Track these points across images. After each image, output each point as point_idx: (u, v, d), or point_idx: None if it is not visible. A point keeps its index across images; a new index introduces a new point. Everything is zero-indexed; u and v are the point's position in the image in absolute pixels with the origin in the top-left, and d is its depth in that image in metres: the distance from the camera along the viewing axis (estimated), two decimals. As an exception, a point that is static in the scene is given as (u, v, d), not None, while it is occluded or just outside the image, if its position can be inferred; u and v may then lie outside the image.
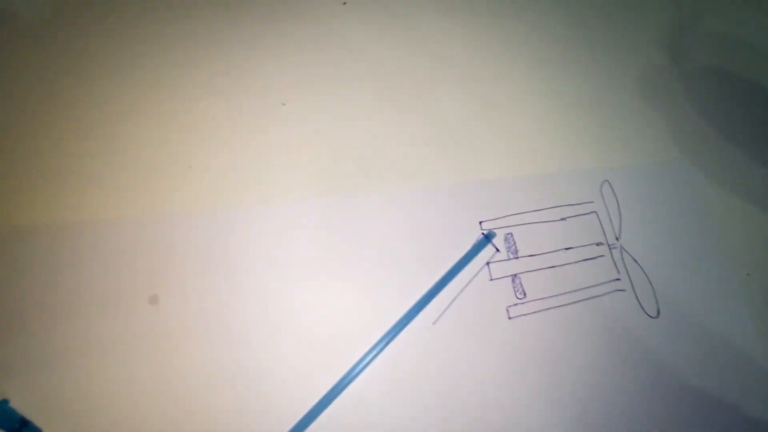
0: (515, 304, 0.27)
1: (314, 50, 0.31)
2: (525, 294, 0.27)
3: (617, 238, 0.30)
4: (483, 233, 0.28)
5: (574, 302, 0.28)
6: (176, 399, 0.23)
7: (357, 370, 0.24)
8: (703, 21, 0.37)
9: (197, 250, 0.25)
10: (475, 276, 0.27)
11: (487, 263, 0.28)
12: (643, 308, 0.28)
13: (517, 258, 0.28)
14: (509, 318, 0.27)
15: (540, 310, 0.27)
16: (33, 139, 0.26)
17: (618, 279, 0.29)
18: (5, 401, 0.21)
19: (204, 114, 0.29)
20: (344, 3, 0.31)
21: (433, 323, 0.26)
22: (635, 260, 0.29)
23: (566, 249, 0.29)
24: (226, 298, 0.25)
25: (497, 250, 0.28)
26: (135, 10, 0.31)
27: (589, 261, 0.29)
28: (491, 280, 0.27)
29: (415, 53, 0.33)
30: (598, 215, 0.30)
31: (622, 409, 0.26)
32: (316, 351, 0.24)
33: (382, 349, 0.25)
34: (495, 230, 0.28)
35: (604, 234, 0.30)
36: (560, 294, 0.28)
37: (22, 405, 0.21)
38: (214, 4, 0.32)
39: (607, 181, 0.31)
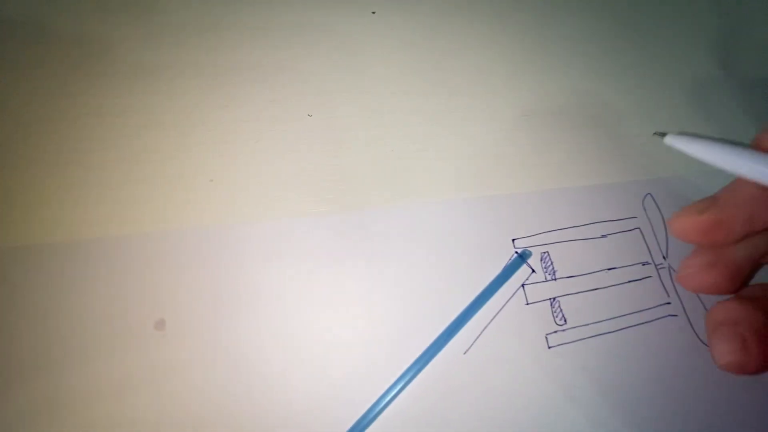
0: (555, 332, 0.24)
1: (341, 59, 0.30)
2: (565, 320, 0.25)
3: (664, 257, 0.27)
4: (517, 252, 0.26)
5: (621, 329, 0.25)
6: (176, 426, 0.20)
7: (380, 406, 0.22)
8: (755, 29, 0.35)
9: (207, 268, 0.23)
10: (509, 300, 0.25)
11: (522, 285, 0.25)
12: (697, 335, 0.25)
13: (555, 279, 0.26)
14: (549, 347, 0.24)
15: (582, 338, 0.24)
16: (42, 152, 0.25)
17: (668, 303, 0.26)
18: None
19: (224, 126, 0.27)
20: (373, 12, 0.30)
21: (464, 353, 0.23)
22: (686, 282, 0.26)
23: (609, 269, 0.26)
24: (238, 323, 0.23)
25: (533, 270, 0.25)
26: (158, 19, 0.30)
27: (634, 282, 0.26)
28: (527, 304, 0.25)
29: (445, 63, 0.31)
30: (641, 231, 0.27)
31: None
32: (335, 384, 0.22)
33: (407, 383, 0.22)
34: (530, 249, 0.26)
35: (650, 252, 0.27)
36: (604, 320, 0.25)
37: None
38: (237, 11, 0.31)
39: (650, 194, 0.28)
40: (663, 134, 0.18)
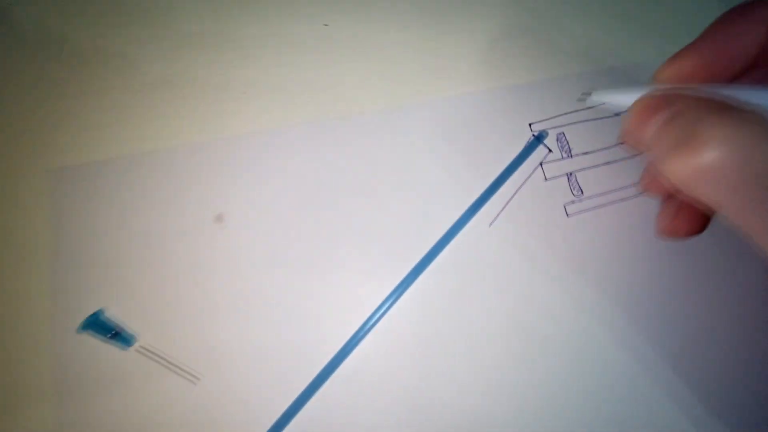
0: (572, 202, 0.27)
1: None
2: (582, 191, 0.27)
3: (676, 130, 0.28)
4: (533, 134, 0.27)
5: (633, 197, 0.27)
6: (246, 302, 0.24)
7: (422, 267, 0.25)
8: None
9: (257, 169, 0.26)
10: (528, 177, 0.27)
11: (541, 164, 0.27)
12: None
13: (571, 157, 0.27)
14: (567, 215, 0.26)
15: (599, 206, 0.27)
16: (97, 79, 0.27)
17: (679, 170, 0.27)
18: (101, 311, 0.23)
19: (253, 39, 0.29)
20: None
21: (490, 225, 0.26)
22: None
23: (621, 143, 0.28)
24: (287, 215, 0.25)
25: (549, 150, 0.27)
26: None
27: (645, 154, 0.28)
28: (546, 180, 0.27)
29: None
30: (654, 108, 0.29)
31: (682, 293, 0.25)
32: (381, 252, 0.25)
33: (440, 250, 0.25)
34: (547, 131, 0.28)
35: (662, 127, 0.28)
36: (618, 189, 0.27)
37: (114, 315, 0.23)
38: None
39: (663, 72, 0.29)
40: (588, 94, 0.19)
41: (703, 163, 0.14)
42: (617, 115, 0.28)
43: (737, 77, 0.17)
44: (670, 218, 0.21)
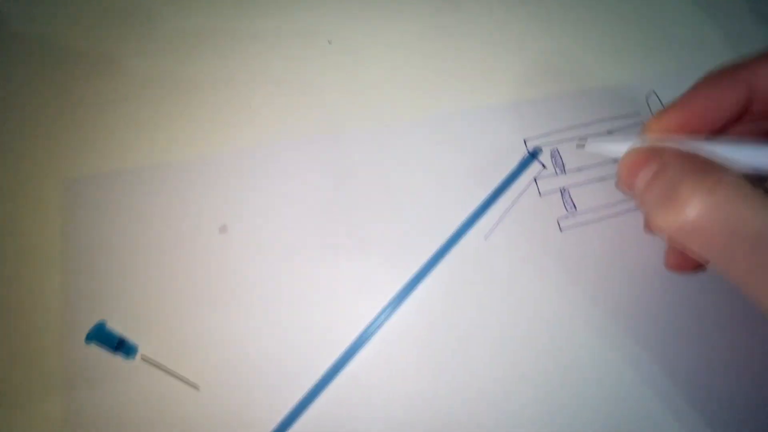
0: (566, 217, 0.27)
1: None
2: (575, 207, 0.28)
3: (667, 148, 0.29)
4: (528, 151, 0.28)
5: (625, 213, 0.28)
6: (249, 313, 0.24)
7: (418, 279, 0.25)
8: None
9: (261, 181, 0.27)
10: (523, 192, 0.28)
11: (535, 179, 0.28)
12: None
13: (565, 173, 0.28)
14: (561, 230, 0.27)
15: (591, 222, 0.27)
16: (109, 93, 0.28)
17: (670, 187, 0.28)
18: (103, 321, 0.23)
19: (256, 55, 0.30)
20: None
21: (486, 238, 0.27)
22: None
23: (615, 161, 0.28)
24: (286, 225, 0.26)
25: (544, 166, 0.28)
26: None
27: (638, 172, 0.28)
28: (540, 195, 0.28)
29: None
30: (645, 126, 0.29)
31: (675, 307, 0.26)
32: (380, 263, 0.26)
33: (437, 262, 0.26)
34: (541, 147, 0.28)
35: (653, 144, 0.29)
36: (610, 205, 0.28)
37: (117, 325, 0.23)
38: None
39: (654, 91, 0.30)
40: (584, 142, 0.22)
41: (684, 222, 0.15)
42: (610, 133, 0.29)
43: (721, 131, 0.19)
44: (677, 254, 0.23)
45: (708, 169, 0.16)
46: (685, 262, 0.23)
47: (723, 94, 0.18)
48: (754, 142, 0.17)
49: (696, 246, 0.16)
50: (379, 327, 0.25)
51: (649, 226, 0.23)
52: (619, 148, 0.19)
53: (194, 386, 0.23)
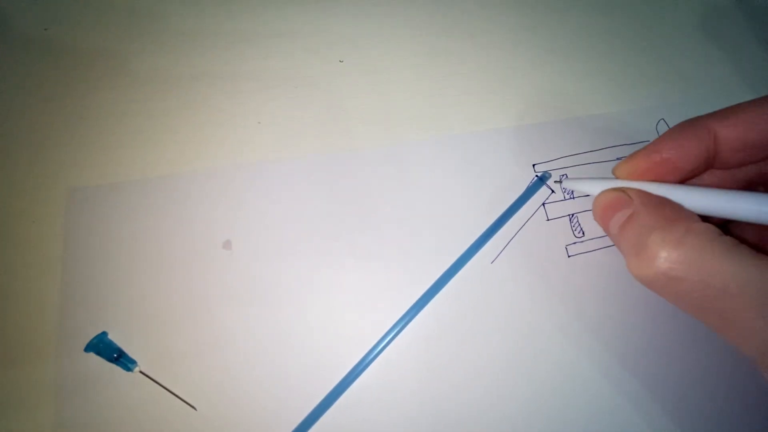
0: (574, 243, 0.27)
1: (367, 9, 0.32)
2: (583, 232, 0.27)
3: (677, 176, 0.29)
4: (537, 175, 0.28)
5: (634, 240, 0.27)
6: (249, 330, 0.24)
7: (421, 304, 0.25)
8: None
9: (265, 197, 0.27)
10: (530, 217, 0.27)
11: (543, 204, 0.28)
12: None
13: (573, 198, 0.28)
14: (568, 256, 0.27)
15: (599, 248, 0.27)
16: (118, 103, 0.28)
17: (680, 216, 0.28)
18: (105, 333, 0.23)
19: (269, 73, 0.30)
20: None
21: (491, 262, 0.26)
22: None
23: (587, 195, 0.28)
24: (293, 244, 0.26)
25: (552, 191, 0.28)
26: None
27: (648, 199, 0.28)
28: (548, 220, 0.27)
29: (465, 4, 0.33)
30: (655, 154, 0.29)
31: (681, 339, 0.26)
32: (385, 285, 0.26)
33: (443, 286, 0.25)
34: (549, 172, 0.28)
35: (663, 172, 0.29)
36: (619, 232, 0.27)
37: (118, 337, 0.23)
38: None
39: (663, 119, 0.30)
40: (561, 181, 0.25)
41: (655, 273, 0.16)
42: (618, 159, 0.29)
43: (687, 179, 0.20)
44: None
45: (676, 218, 0.16)
46: None
47: (688, 142, 0.19)
48: (718, 189, 0.17)
49: (669, 296, 0.16)
50: (382, 350, 0.24)
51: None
52: (593, 188, 0.20)
53: (192, 406, 0.22)
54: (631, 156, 0.20)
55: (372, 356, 0.24)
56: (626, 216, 0.18)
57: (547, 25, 0.33)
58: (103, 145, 0.27)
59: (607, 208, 0.19)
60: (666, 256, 0.16)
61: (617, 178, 0.20)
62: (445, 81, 0.31)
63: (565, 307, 0.26)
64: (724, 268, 0.15)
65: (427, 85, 0.30)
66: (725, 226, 0.21)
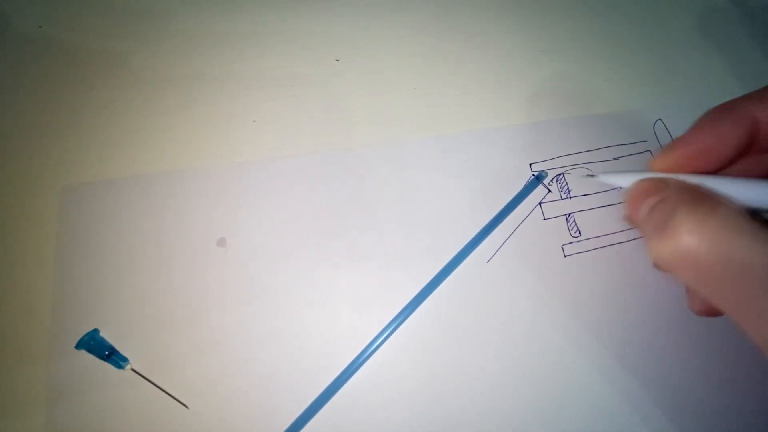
0: (570, 243, 0.27)
1: (363, 9, 0.32)
2: (580, 232, 0.27)
3: (674, 177, 0.29)
4: (534, 174, 0.28)
5: (630, 240, 0.27)
6: (242, 328, 0.24)
7: (417, 301, 0.25)
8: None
9: (261, 195, 0.26)
10: (527, 216, 0.27)
11: (540, 203, 0.28)
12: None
13: (570, 198, 0.28)
14: (564, 256, 0.27)
15: (596, 248, 0.27)
16: (114, 102, 0.28)
17: (676, 216, 0.28)
18: (96, 330, 0.23)
19: (265, 72, 0.30)
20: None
21: (487, 261, 0.26)
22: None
23: (620, 188, 0.28)
24: (288, 243, 0.26)
25: (549, 190, 0.28)
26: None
27: (644, 199, 0.28)
28: (544, 219, 0.27)
29: (463, 1, 0.33)
30: (652, 154, 0.29)
31: (676, 337, 0.25)
32: (381, 283, 0.25)
33: (438, 285, 0.25)
34: (546, 171, 0.28)
35: (660, 172, 0.29)
36: (615, 232, 0.27)
37: (110, 335, 0.23)
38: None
39: (661, 119, 0.30)
40: (593, 176, 0.23)
41: (676, 249, 0.15)
42: (616, 159, 0.29)
43: (727, 166, 0.19)
44: (700, 299, 0.22)
45: (704, 199, 0.16)
46: (710, 308, 0.22)
47: (727, 129, 0.18)
48: (758, 179, 0.17)
49: (687, 275, 0.15)
50: (376, 349, 0.24)
51: (630, 224, 0.23)
52: (626, 180, 0.19)
53: (184, 404, 0.22)
54: (669, 147, 0.19)
55: (366, 355, 0.24)
56: (656, 200, 0.17)
57: (545, 26, 0.33)
58: (98, 143, 0.27)
59: (640, 194, 0.18)
60: (689, 229, 0.15)
61: (653, 170, 0.19)
62: (443, 81, 0.31)
63: (561, 306, 0.26)
64: (747, 246, 0.14)
65: (425, 85, 0.30)
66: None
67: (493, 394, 0.24)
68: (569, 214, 0.28)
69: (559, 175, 0.28)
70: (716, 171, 0.19)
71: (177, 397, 0.22)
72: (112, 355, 0.22)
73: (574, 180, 0.28)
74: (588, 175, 0.24)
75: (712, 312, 0.22)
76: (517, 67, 0.31)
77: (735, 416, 0.24)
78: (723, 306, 0.15)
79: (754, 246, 0.14)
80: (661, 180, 0.18)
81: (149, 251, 0.25)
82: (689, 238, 0.15)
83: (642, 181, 0.18)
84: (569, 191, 0.28)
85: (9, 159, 0.27)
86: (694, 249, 0.15)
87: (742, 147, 0.18)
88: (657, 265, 0.17)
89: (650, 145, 0.29)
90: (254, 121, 0.29)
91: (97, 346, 0.22)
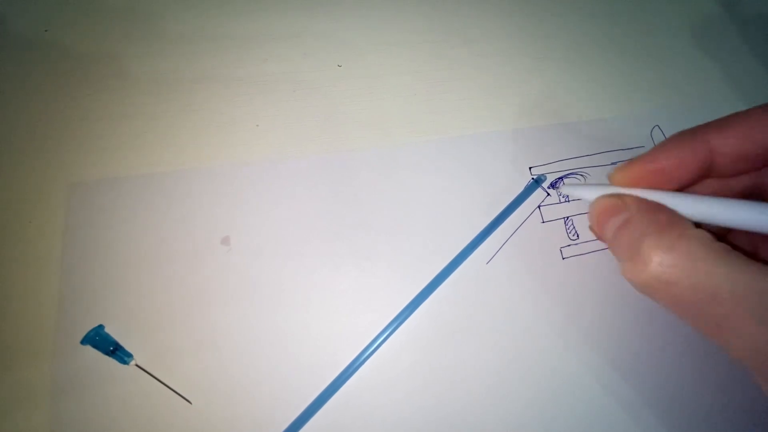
0: (569, 245, 0.27)
1: (366, 16, 0.33)
2: (578, 235, 0.28)
3: (671, 182, 0.29)
4: (533, 178, 0.29)
5: (629, 244, 0.28)
6: (245, 326, 0.24)
7: (417, 302, 0.25)
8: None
9: (266, 196, 0.27)
10: (526, 219, 0.28)
11: (539, 206, 0.28)
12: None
13: (569, 201, 0.28)
14: (563, 258, 0.27)
15: (593, 251, 0.27)
16: (119, 104, 0.29)
17: (673, 220, 0.28)
18: (101, 326, 0.23)
19: (268, 76, 0.30)
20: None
21: (487, 263, 0.27)
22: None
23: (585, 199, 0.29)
24: (291, 243, 0.26)
25: (548, 194, 0.28)
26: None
27: (642, 204, 0.29)
28: (543, 222, 0.28)
29: (463, 11, 0.34)
30: (649, 159, 0.30)
31: (673, 341, 0.26)
32: (382, 283, 0.26)
33: (438, 286, 0.26)
34: (545, 175, 0.29)
35: (657, 177, 0.29)
36: (614, 235, 0.28)
37: (114, 330, 0.23)
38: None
39: (658, 125, 0.31)
40: (556, 187, 0.25)
41: (649, 278, 0.16)
42: (613, 164, 0.29)
43: (684, 188, 0.20)
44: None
45: (670, 223, 0.17)
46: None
47: (685, 154, 0.19)
48: (713, 196, 0.18)
49: (663, 301, 0.16)
50: (376, 349, 0.24)
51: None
52: (589, 194, 0.20)
53: (187, 400, 0.22)
54: (627, 163, 0.20)
55: (367, 355, 0.24)
56: (621, 221, 0.18)
57: (544, 33, 0.33)
58: (102, 146, 0.28)
59: (602, 214, 0.19)
60: (659, 260, 0.16)
61: (613, 184, 0.20)
62: (443, 86, 0.31)
63: (559, 308, 0.26)
64: (715, 271, 0.15)
65: (425, 90, 0.31)
66: (722, 237, 0.21)
67: (491, 395, 0.24)
68: (567, 218, 0.28)
69: (558, 179, 0.29)
70: (671, 190, 0.19)
71: (180, 392, 0.22)
72: (116, 351, 0.22)
73: (573, 183, 0.29)
74: (551, 187, 0.26)
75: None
76: (517, 72, 0.32)
77: (729, 420, 0.25)
78: (699, 329, 0.16)
79: (719, 272, 0.15)
80: (622, 199, 0.19)
81: (155, 248, 0.25)
82: (659, 268, 0.16)
83: (604, 197, 0.19)
84: (567, 195, 0.28)
85: (16, 158, 0.27)
86: (666, 278, 0.16)
87: (698, 171, 0.19)
88: (635, 287, 0.18)
89: (647, 150, 0.30)
90: (257, 125, 0.29)
91: (102, 341, 0.22)
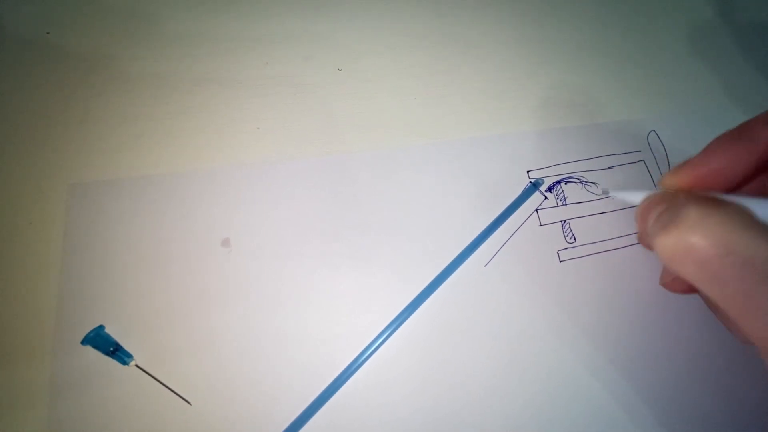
0: (566, 248, 0.28)
1: (366, 20, 0.33)
2: (575, 239, 0.28)
3: (666, 186, 0.30)
4: (531, 181, 0.29)
5: (624, 247, 0.28)
6: (245, 327, 0.24)
7: (415, 304, 0.25)
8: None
9: (265, 197, 0.27)
10: (524, 222, 0.28)
11: (536, 210, 0.28)
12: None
13: (566, 205, 0.29)
14: (560, 261, 0.27)
15: (590, 254, 0.28)
16: (119, 106, 0.29)
17: (669, 224, 0.29)
18: (102, 327, 0.23)
19: (268, 79, 0.31)
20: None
21: (485, 265, 0.27)
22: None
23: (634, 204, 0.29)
24: (290, 244, 0.26)
25: (545, 197, 0.29)
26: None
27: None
28: (540, 225, 0.28)
29: (462, 17, 0.34)
30: (645, 164, 0.30)
31: (671, 342, 0.26)
32: (380, 285, 0.26)
33: (437, 287, 0.26)
34: (543, 178, 0.29)
35: (653, 181, 0.30)
36: (610, 239, 0.28)
37: (115, 331, 0.23)
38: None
39: (654, 130, 0.31)
40: (607, 192, 0.24)
41: (678, 242, 0.15)
42: (611, 168, 0.30)
43: (736, 188, 0.19)
44: (671, 276, 0.24)
45: (711, 199, 0.16)
46: (678, 284, 0.23)
47: (739, 152, 0.18)
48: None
49: (689, 270, 0.16)
50: (375, 350, 0.25)
51: (643, 243, 0.24)
52: (638, 197, 0.20)
53: (186, 401, 0.22)
54: (679, 167, 0.19)
55: (365, 356, 0.24)
56: (664, 208, 0.17)
57: (543, 39, 0.34)
58: (102, 147, 0.28)
59: (649, 205, 0.18)
60: (693, 223, 0.15)
61: (665, 187, 0.20)
62: (442, 90, 0.31)
63: (556, 310, 0.26)
64: (749, 241, 0.14)
65: (425, 94, 0.31)
66: None
67: (490, 396, 0.24)
68: (565, 221, 0.28)
69: (556, 182, 0.29)
70: (726, 191, 0.19)
71: (180, 393, 0.23)
72: (116, 351, 0.23)
73: (570, 187, 0.29)
74: (603, 192, 0.24)
75: (679, 288, 0.23)
76: (515, 77, 0.32)
77: (727, 420, 0.25)
78: (723, 302, 0.15)
79: (755, 241, 0.14)
80: (669, 192, 0.18)
81: (155, 249, 0.25)
82: (692, 231, 0.15)
83: (654, 193, 0.19)
84: (565, 198, 0.29)
85: (16, 159, 0.27)
86: (697, 242, 0.15)
87: (753, 169, 0.18)
88: (665, 263, 0.17)
89: (644, 155, 0.30)
90: (258, 128, 0.29)
91: (102, 342, 0.22)
